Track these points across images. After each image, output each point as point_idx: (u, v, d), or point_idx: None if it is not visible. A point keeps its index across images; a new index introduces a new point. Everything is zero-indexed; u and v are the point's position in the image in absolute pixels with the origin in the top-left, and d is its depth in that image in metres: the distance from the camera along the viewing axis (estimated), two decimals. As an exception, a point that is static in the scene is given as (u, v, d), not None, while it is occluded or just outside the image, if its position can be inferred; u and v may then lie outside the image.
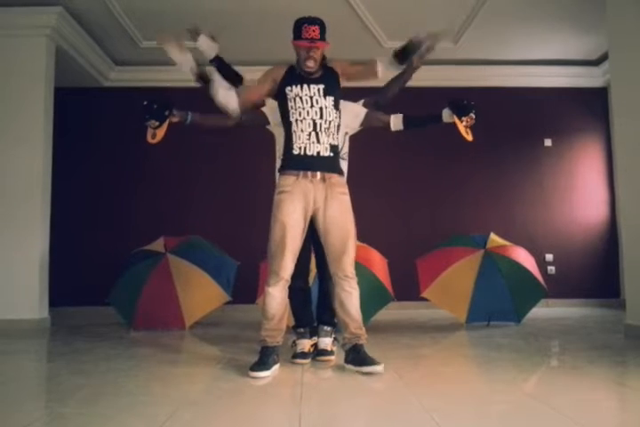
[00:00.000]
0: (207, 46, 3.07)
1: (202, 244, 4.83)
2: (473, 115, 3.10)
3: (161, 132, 3.12)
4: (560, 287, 5.85)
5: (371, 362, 2.69)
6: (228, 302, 4.60)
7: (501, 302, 4.40)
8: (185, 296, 4.38)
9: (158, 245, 4.70)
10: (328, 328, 3.13)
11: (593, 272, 6.08)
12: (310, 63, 2.79)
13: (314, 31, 2.76)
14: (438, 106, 6.68)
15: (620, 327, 4.02)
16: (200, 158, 6.10)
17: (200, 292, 4.44)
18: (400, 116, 3.17)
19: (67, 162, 5.75)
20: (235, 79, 3.04)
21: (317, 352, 3.07)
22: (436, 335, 4.07)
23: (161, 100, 3.09)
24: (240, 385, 2.47)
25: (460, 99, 3.15)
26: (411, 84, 6.51)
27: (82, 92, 6.04)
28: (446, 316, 4.84)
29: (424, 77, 6.16)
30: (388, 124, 3.15)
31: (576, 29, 5.33)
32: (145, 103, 3.03)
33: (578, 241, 6.15)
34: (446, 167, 6.18)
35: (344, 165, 3.08)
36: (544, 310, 5.39)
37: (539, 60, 6.07)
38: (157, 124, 3.03)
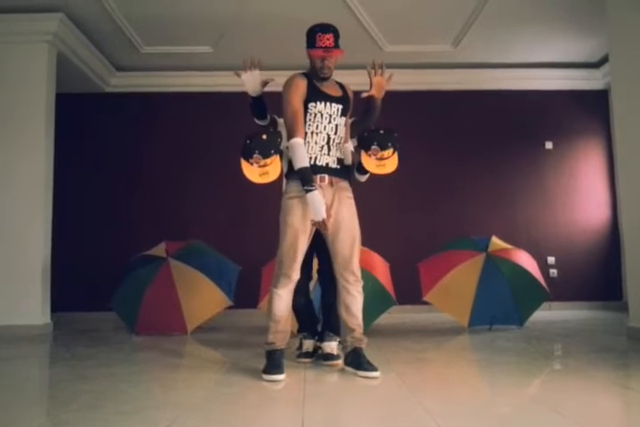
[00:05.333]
0: (252, 86, 2.99)
1: (203, 248, 4.83)
2: (376, 146, 2.85)
3: (276, 168, 2.78)
4: (562, 290, 5.85)
5: (368, 367, 2.73)
6: (230, 307, 4.59)
7: (503, 305, 4.39)
8: (187, 301, 4.38)
9: (160, 249, 4.71)
10: (333, 333, 3.14)
11: (595, 275, 6.06)
12: (326, 71, 2.86)
13: (328, 40, 2.79)
14: (438, 109, 6.71)
15: (623, 330, 4.01)
16: (201, 164, 6.10)
17: (202, 296, 4.44)
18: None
19: (68, 167, 5.76)
20: (264, 114, 3.07)
21: (324, 357, 3.08)
22: (439, 339, 4.07)
23: (268, 132, 2.85)
24: (242, 390, 2.47)
25: (370, 129, 2.96)
26: (410, 87, 6.57)
27: (83, 97, 6.06)
28: (448, 319, 4.83)
29: (424, 81, 6.23)
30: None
31: (576, 32, 5.34)
32: (251, 136, 2.77)
33: (579, 244, 6.14)
34: (447, 170, 6.18)
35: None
36: (546, 313, 5.38)
37: (539, 62, 6.08)
38: (264, 161, 2.73)
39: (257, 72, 2.99)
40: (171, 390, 2.52)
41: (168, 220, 5.97)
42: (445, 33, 5.40)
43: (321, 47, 2.79)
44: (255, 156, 2.73)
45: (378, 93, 3.01)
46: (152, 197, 6.07)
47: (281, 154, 2.90)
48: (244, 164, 2.79)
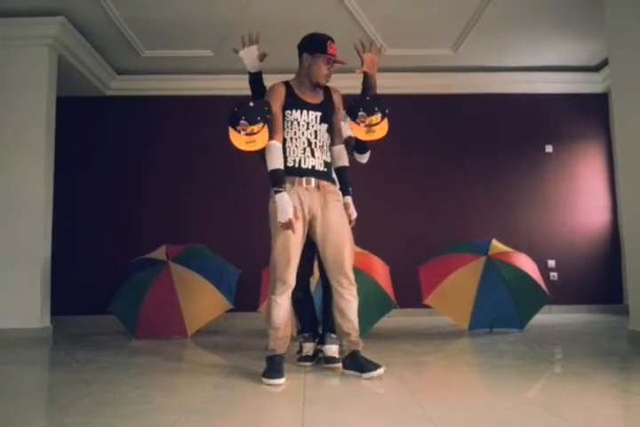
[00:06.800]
0: (250, 60, 3.01)
1: (203, 252, 4.83)
2: (362, 112, 2.82)
3: (263, 138, 2.76)
4: (562, 293, 5.84)
5: (371, 367, 2.73)
6: (230, 310, 4.59)
7: (504, 308, 4.38)
8: (187, 304, 4.38)
9: (160, 253, 4.71)
10: (334, 335, 3.12)
11: (595, 278, 6.06)
12: (328, 78, 2.90)
13: (335, 49, 2.88)
14: (438, 113, 6.72)
15: (624, 333, 4.00)
16: (202, 167, 6.11)
17: (202, 300, 4.44)
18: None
19: (68, 171, 5.76)
20: (263, 94, 3.04)
21: (325, 360, 3.07)
22: (439, 342, 4.06)
23: (256, 100, 2.83)
24: (243, 393, 2.46)
25: (355, 98, 2.94)
26: (410, 91, 6.58)
27: (83, 101, 6.06)
28: (449, 323, 4.83)
29: (424, 85, 6.24)
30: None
31: (576, 35, 5.34)
32: (239, 103, 2.76)
33: (580, 247, 6.14)
34: (448, 173, 6.18)
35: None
36: (547, 317, 5.37)
37: (539, 66, 6.09)
38: (251, 128, 2.71)
39: (254, 47, 3.01)
40: (171, 394, 2.52)
41: (168, 223, 5.97)
42: (445, 37, 5.40)
43: (332, 55, 2.85)
44: (242, 122, 2.71)
45: (370, 69, 3.04)
46: (152, 201, 6.07)
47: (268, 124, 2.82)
48: (231, 132, 2.76)
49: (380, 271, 4.33)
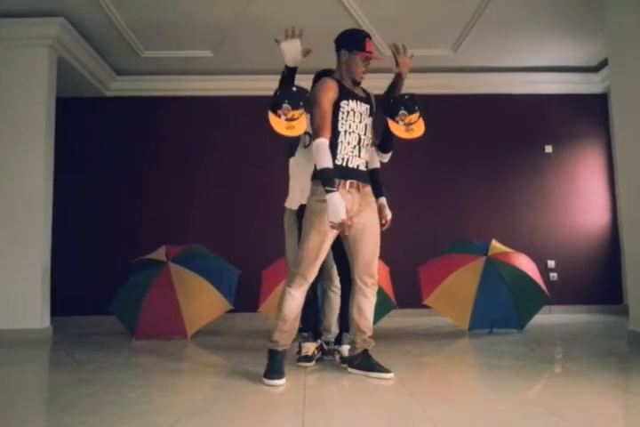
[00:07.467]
0: (293, 53, 2.90)
1: (203, 252, 4.83)
2: (404, 111, 2.89)
3: (302, 124, 2.74)
4: (562, 294, 5.84)
5: (381, 369, 2.77)
6: (230, 311, 4.59)
7: (504, 308, 4.39)
8: (187, 305, 4.38)
9: (160, 253, 4.71)
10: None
11: (595, 278, 6.06)
12: (363, 76, 2.93)
13: (371, 46, 2.90)
14: (438, 113, 6.72)
15: (623, 333, 4.00)
16: (202, 168, 6.11)
17: (202, 300, 4.44)
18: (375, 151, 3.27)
19: (68, 171, 5.76)
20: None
21: (342, 360, 3.10)
22: (439, 343, 4.06)
23: (298, 86, 2.80)
24: (243, 394, 2.46)
25: (395, 96, 2.99)
26: (410, 91, 6.53)
27: (83, 101, 6.07)
28: (449, 323, 4.83)
29: (423, 85, 6.23)
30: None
31: (575, 36, 5.35)
32: (281, 88, 2.75)
33: (580, 247, 6.14)
34: (447, 174, 6.18)
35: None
36: (546, 317, 5.37)
37: (538, 66, 6.09)
38: (293, 113, 2.69)
39: (298, 41, 2.92)
40: (171, 395, 2.52)
41: (168, 223, 5.98)
42: (445, 37, 5.41)
43: (370, 52, 2.87)
44: (284, 106, 2.70)
45: (405, 71, 3.08)
46: (152, 201, 6.07)
47: (307, 111, 2.81)
48: (271, 116, 2.73)
49: (381, 272, 4.29)
